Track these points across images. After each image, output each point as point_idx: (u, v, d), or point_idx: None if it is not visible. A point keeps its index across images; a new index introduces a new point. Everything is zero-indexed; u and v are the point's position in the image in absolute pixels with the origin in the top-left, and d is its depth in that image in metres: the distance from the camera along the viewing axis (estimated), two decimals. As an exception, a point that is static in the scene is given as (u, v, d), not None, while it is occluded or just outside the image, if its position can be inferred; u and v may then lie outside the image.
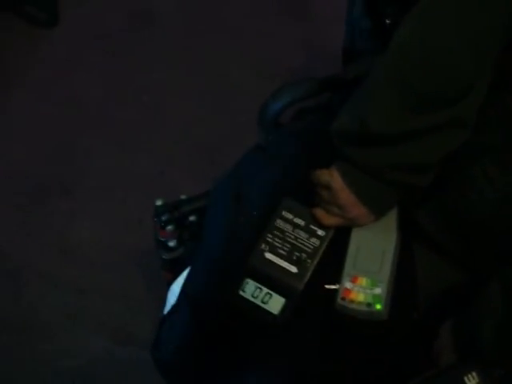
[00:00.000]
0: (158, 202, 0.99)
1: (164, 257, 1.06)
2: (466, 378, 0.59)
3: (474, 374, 0.59)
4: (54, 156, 1.68)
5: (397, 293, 0.81)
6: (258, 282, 0.83)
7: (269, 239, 0.84)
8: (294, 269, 0.83)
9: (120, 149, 1.70)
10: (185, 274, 0.99)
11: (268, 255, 0.83)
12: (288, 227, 0.85)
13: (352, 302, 0.79)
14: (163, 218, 0.97)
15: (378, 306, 0.79)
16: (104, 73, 1.85)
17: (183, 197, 1.02)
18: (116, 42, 1.91)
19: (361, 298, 0.79)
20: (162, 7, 1.97)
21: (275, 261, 0.83)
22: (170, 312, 1.00)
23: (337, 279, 0.81)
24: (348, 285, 0.80)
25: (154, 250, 1.10)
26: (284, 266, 0.83)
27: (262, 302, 0.82)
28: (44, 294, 1.43)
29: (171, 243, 1.00)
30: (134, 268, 1.46)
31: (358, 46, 1.10)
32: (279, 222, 0.85)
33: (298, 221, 0.85)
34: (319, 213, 0.83)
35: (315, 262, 0.83)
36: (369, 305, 0.79)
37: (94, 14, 1.96)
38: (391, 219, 0.84)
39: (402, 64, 0.70)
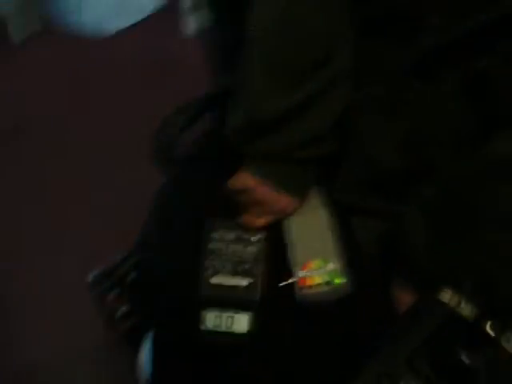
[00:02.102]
0: (93, 273, 0.94)
1: (121, 329, 1.00)
2: (440, 296, 0.58)
3: (446, 290, 0.58)
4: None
5: (348, 262, 0.80)
6: (215, 311, 0.80)
7: (208, 264, 0.81)
8: (244, 282, 0.80)
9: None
10: (146, 343, 0.95)
11: (214, 280, 0.80)
12: (221, 246, 0.82)
13: (311, 287, 0.77)
14: (103, 287, 0.92)
15: (337, 280, 0.78)
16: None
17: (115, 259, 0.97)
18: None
19: (318, 280, 0.78)
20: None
21: (223, 282, 0.80)
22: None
23: (289, 274, 0.80)
24: (300, 273, 0.79)
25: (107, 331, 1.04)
26: (233, 283, 0.80)
27: (227, 327, 0.79)
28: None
29: (120, 311, 0.95)
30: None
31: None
32: (211, 245, 0.82)
33: (228, 236, 0.83)
34: (246, 219, 0.82)
35: (261, 268, 0.81)
36: (328, 283, 0.78)
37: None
38: (314, 198, 0.84)
39: (264, 45, 0.71)
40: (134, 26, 2.02)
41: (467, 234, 0.68)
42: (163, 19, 2.03)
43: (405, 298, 0.78)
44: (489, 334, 0.51)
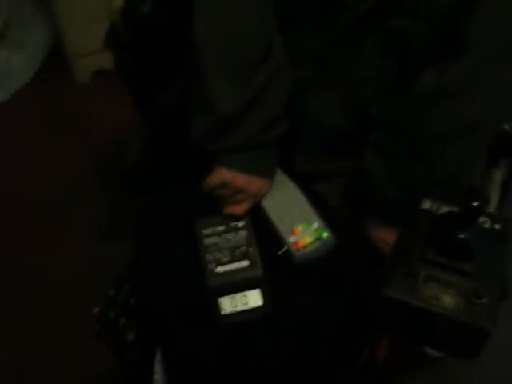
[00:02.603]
0: (96, 310, 1.00)
1: (130, 358, 1.06)
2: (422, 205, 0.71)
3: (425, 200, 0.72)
4: None
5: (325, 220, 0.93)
6: (228, 296, 0.89)
7: (209, 258, 0.90)
8: (245, 263, 0.90)
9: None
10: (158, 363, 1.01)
11: (218, 269, 0.89)
12: (216, 239, 0.91)
13: (305, 247, 0.89)
14: (111, 317, 0.97)
15: (325, 234, 0.89)
16: None
17: (111, 292, 1.03)
18: None
19: (308, 239, 0.89)
20: None
21: (227, 268, 0.89)
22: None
23: (280, 244, 0.91)
24: (292, 239, 0.90)
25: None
26: (236, 266, 0.89)
27: (244, 305, 0.88)
28: None
29: (130, 337, 1.00)
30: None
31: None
32: (206, 240, 0.91)
33: (218, 229, 0.92)
34: (229, 209, 0.92)
35: (255, 247, 0.91)
36: (319, 239, 0.89)
37: None
38: (280, 175, 0.96)
39: (213, 50, 0.82)
40: (25, 86, 2.04)
41: (419, 155, 0.83)
42: (53, 71, 2.06)
43: (382, 234, 0.91)
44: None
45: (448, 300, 0.63)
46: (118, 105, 1.50)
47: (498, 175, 0.96)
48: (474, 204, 0.60)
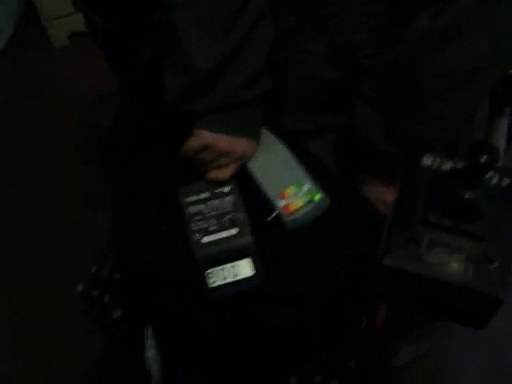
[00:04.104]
0: (79, 288, 0.94)
1: (119, 335, 1.00)
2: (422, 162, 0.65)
3: (426, 155, 0.65)
4: None
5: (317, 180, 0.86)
6: (216, 266, 0.83)
7: (194, 228, 0.84)
8: (233, 231, 0.84)
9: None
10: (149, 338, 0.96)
11: (205, 239, 0.83)
12: (200, 206, 0.85)
13: (297, 210, 0.83)
14: (95, 295, 0.92)
15: (318, 196, 0.83)
16: None
17: (94, 269, 0.97)
18: None
19: (300, 202, 0.83)
20: None
21: (214, 238, 0.83)
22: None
23: (270, 209, 0.84)
24: (282, 203, 0.83)
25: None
26: (224, 235, 0.83)
27: (235, 276, 0.82)
28: None
29: (117, 313, 0.95)
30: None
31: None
32: (190, 209, 0.85)
33: (203, 196, 0.86)
34: (213, 174, 0.85)
35: (244, 213, 0.85)
36: (311, 201, 0.83)
37: None
38: (267, 134, 0.89)
39: (185, 1, 0.74)
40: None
41: (414, 104, 0.76)
42: (28, 37, 1.97)
43: (378, 193, 0.85)
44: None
45: (455, 266, 0.57)
46: (99, 66, 1.43)
47: (503, 125, 0.89)
48: (483, 160, 0.53)
